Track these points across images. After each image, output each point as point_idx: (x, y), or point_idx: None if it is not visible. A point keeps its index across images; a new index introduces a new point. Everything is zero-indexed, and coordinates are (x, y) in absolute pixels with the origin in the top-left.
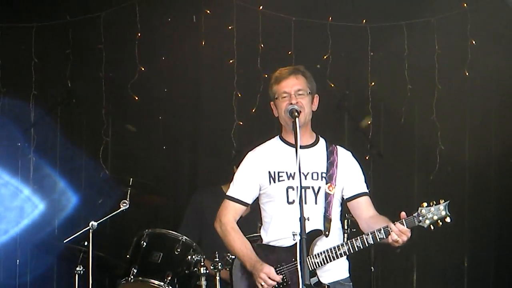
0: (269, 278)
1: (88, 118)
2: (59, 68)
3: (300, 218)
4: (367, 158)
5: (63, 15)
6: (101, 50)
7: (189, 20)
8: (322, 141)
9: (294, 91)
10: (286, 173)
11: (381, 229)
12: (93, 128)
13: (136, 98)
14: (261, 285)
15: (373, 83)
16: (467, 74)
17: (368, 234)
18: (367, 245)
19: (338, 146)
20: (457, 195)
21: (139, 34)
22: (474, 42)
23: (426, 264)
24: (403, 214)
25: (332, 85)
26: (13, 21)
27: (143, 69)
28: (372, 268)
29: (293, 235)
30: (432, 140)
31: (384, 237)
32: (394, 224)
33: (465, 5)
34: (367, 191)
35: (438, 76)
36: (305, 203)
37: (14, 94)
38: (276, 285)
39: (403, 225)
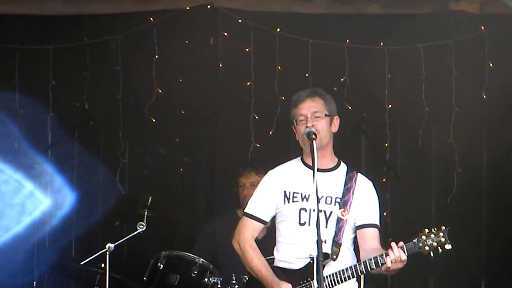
0: None
1: (105, 139)
2: (77, 90)
3: (317, 241)
4: (384, 180)
5: (81, 37)
6: (119, 72)
7: (207, 42)
8: (343, 166)
9: (310, 114)
10: (301, 194)
11: (383, 254)
12: (110, 149)
13: (153, 120)
14: None
15: (390, 106)
16: (484, 97)
17: (371, 259)
18: (369, 269)
19: (359, 174)
20: (475, 218)
21: (156, 56)
22: (491, 65)
23: (443, 287)
24: (400, 243)
25: (350, 108)
26: (31, 43)
27: (160, 91)
28: None
29: (310, 257)
30: (449, 163)
31: (385, 261)
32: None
33: (482, 27)
34: (378, 224)
35: (456, 99)
36: (316, 225)
37: (31, 115)
38: None
39: (404, 250)
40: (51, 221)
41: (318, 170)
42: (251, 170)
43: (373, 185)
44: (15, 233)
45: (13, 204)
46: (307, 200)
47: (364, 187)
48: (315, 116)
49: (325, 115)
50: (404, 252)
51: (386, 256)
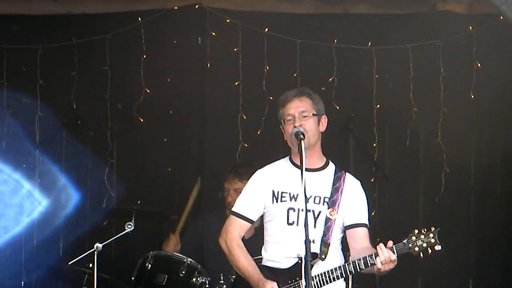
0: None
1: (93, 139)
2: (65, 90)
3: (305, 241)
4: (372, 180)
5: (69, 37)
6: (107, 71)
7: (195, 42)
8: (331, 166)
9: (298, 113)
10: (289, 194)
11: (372, 255)
12: (98, 149)
13: (141, 119)
14: None
15: (378, 106)
16: (472, 97)
17: (360, 259)
18: (358, 270)
19: (347, 173)
20: (462, 218)
21: (144, 56)
22: (479, 65)
23: (431, 287)
24: (390, 242)
25: (337, 108)
26: (18, 42)
27: (148, 91)
28: None
29: (298, 257)
30: (437, 162)
31: (375, 262)
32: (382, 251)
33: (470, 28)
34: (367, 223)
35: (444, 99)
36: (304, 225)
37: (19, 115)
38: None
39: (393, 251)
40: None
41: (306, 169)
42: (235, 177)
43: (361, 184)
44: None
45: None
46: (295, 199)
47: (352, 186)
48: (303, 116)
49: (313, 114)
50: (394, 253)
51: (375, 257)
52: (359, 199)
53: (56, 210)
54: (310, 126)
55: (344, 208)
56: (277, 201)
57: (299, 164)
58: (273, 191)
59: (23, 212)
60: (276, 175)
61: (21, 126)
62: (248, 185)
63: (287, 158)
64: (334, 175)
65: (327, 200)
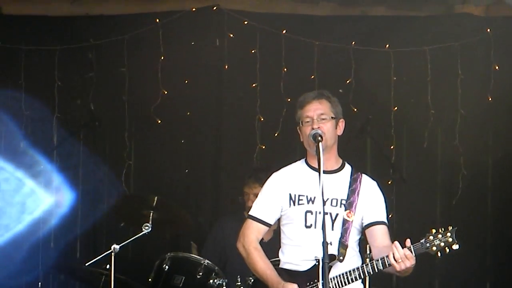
0: None
1: (111, 141)
2: (82, 91)
3: (322, 243)
4: (389, 182)
5: (87, 38)
6: (124, 73)
7: (212, 43)
8: (347, 168)
9: (316, 116)
10: (307, 197)
11: (389, 255)
12: (116, 151)
13: (159, 121)
14: None
15: (396, 108)
16: (490, 99)
17: (378, 260)
18: (376, 270)
19: (363, 174)
20: (480, 220)
21: (162, 58)
22: (497, 68)
23: None
24: (407, 241)
25: (355, 110)
26: (37, 43)
27: (165, 92)
28: None
29: (316, 259)
30: (454, 165)
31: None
32: (397, 248)
33: (488, 30)
34: (386, 221)
35: (461, 101)
36: (322, 228)
37: (37, 116)
38: None
39: (411, 251)
40: (53, 221)
41: (323, 172)
42: (255, 182)
43: (378, 185)
44: (16, 232)
45: (13, 203)
46: (312, 202)
47: (369, 187)
48: (321, 118)
49: (331, 117)
50: (412, 252)
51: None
52: (376, 198)
53: (71, 210)
54: (328, 129)
55: (361, 209)
56: (294, 204)
57: (315, 166)
58: (290, 194)
59: (32, 210)
60: (292, 178)
61: (39, 127)
62: (265, 189)
63: (303, 160)
64: (351, 177)
65: (344, 202)
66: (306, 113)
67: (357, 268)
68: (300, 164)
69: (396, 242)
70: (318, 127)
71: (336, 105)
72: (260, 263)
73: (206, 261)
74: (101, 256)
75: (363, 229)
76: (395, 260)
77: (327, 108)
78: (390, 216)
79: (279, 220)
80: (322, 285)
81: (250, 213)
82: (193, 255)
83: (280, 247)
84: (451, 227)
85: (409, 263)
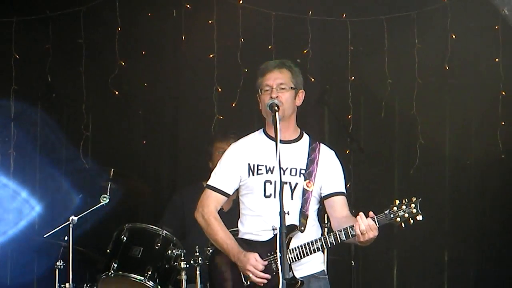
0: (257, 268)
1: (68, 112)
2: (39, 63)
3: (280, 212)
4: (347, 152)
5: (43, 10)
6: (81, 44)
7: (169, 14)
8: (306, 138)
9: (276, 85)
10: (265, 166)
11: (353, 226)
12: (73, 122)
13: (116, 92)
14: (251, 275)
15: (353, 78)
16: (447, 68)
17: (341, 231)
18: (339, 241)
19: (322, 144)
20: (437, 189)
21: (119, 29)
22: (454, 36)
23: (406, 258)
24: (370, 213)
25: (313, 80)
26: None
27: (123, 63)
28: (352, 262)
29: (273, 229)
30: (412, 134)
31: (355, 233)
32: (362, 220)
33: None
34: (344, 191)
35: (418, 71)
36: (279, 197)
37: None
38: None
39: (375, 222)
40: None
41: (281, 141)
42: (233, 138)
43: (336, 154)
44: None
45: None
46: (271, 172)
47: (327, 157)
48: (281, 88)
49: (291, 87)
50: (376, 223)
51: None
52: (335, 168)
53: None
54: (286, 99)
55: (320, 179)
56: (253, 174)
57: (273, 136)
58: (249, 164)
59: None
60: (251, 148)
61: None
62: (223, 159)
63: (261, 130)
64: (309, 147)
65: (303, 171)
66: (266, 81)
67: (319, 239)
68: (258, 135)
69: (361, 213)
70: (277, 96)
71: (297, 75)
72: (220, 233)
73: (164, 231)
74: (59, 227)
75: (322, 199)
76: (360, 231)
77: (287, 78)
78: (348, 185)
79: (238, 190)
80: (281, 257)
81: (208, 183)
82: (150, 226)
83: (239, 217)
84: (414, 198)
85: (373, 234)
